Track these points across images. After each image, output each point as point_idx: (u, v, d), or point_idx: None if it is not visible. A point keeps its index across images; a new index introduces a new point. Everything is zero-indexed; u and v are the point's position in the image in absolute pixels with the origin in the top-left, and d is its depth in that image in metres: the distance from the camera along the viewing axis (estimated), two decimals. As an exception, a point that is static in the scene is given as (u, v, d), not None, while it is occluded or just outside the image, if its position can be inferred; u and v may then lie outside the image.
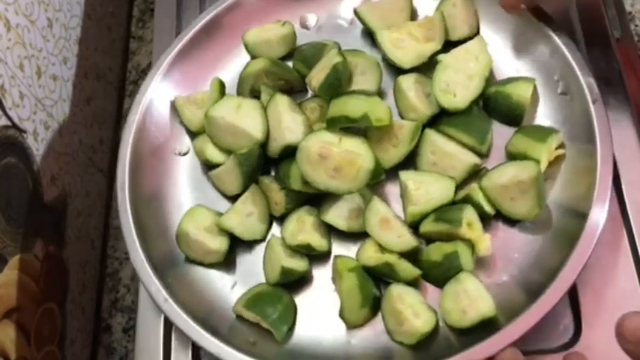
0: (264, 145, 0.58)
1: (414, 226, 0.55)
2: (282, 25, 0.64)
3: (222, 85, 0.62)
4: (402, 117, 0.59)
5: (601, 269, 0.55)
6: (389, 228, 0.53)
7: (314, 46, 0.63)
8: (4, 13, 0.55)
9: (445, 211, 0.53)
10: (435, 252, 0.53)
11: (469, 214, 0.52)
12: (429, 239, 0.55)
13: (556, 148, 0.56)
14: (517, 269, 0.53)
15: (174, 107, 0.62)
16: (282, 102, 0.58)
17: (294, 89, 0.63)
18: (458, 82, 0.57)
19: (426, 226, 0.54)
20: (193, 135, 0.62)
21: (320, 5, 0.67)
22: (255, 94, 0.62)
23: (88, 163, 0.69)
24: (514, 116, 0.58)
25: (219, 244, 0.56)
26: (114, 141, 0.59)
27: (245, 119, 0.58)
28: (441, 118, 0.58)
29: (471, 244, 0.53)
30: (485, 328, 0.49)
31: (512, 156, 0.56)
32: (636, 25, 0.74)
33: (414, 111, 0.58)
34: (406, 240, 0.53)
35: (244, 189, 0.57)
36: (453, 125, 0.57)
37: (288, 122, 0.57)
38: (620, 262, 0.55)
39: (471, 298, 0.50)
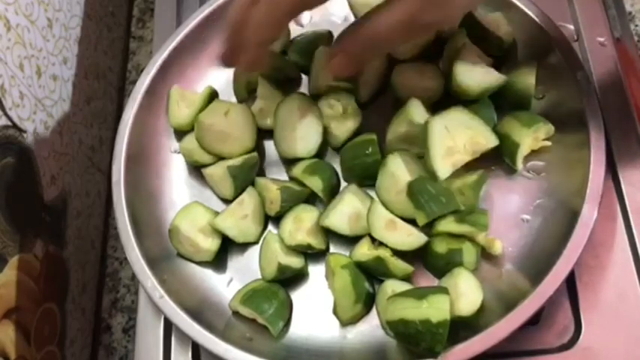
0: (257, 148, 0.59)
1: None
2: None
3: (212, 95, 0.62)
4: (402, 99, 0.59)
5: (601, 269, 0.55)
6: (396, 229, 0.53)
7: (308, 36, 0.64)
8: (4, 13, 0.55)
9: (467, 213, 0.53)
10: (440, 244, 0.53)
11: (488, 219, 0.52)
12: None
13: (545, 140, 0.57)
14: (511, 263, 0.54)
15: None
16: (297, 104, 0.58)
17: (290, 78, 0.64)
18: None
19: (446, 226, 0.53)
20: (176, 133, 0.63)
21: (314, 2, 0.67)
22: (251, 88, 0.62)
23: (87, 163, 0.69)
24: (522, 103, 0.58)
25: (209, 244, 0.56)
26: (114, 141, 0.59)
27: (234, 126, 0.58)
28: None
29: (477, 245, 0.53)
30: (462, 326, 0.49)
31: (498, 136, 0.55)
32: (636, 25, 0.74)
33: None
34: (416, 237, 0.53)
35: (236, 196, 0.57)
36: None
37: (302, 131, 0.57)
38: (620, 262, 0.55)
39: (457, 293, 0.50)
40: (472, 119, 0.54)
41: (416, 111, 0.55)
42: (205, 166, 0.59)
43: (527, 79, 0.57)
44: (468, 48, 0.58)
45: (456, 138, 0.54)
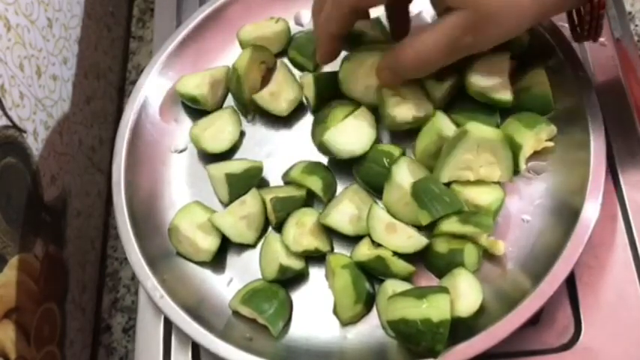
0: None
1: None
2: (276, 22, 0.64)
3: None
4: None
5: (601, 269, 0.55)
6: (396, 232, 0.53)
7: (308, 34, 0.64)
8: (4, 13, 0.55)
9: (471, 214, 0.53)
10: (442, 244, 0.53)
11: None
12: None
13: (547, 141, 0.56)
14: (512, 263, 0.54)
15: (171, 102, 0.63)
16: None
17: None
18: None
19: (449, 226, 0.52)
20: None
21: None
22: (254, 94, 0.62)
23: (87, 163, 0.69)
24: (542, 106, 0.57)
25: (208, 244, 0.56)
26: (114, 141, 0.59)
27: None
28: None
29: (479, 246, 0.53)
30: (462, 326, 0.49)
31: None
32: (636, 25, 0.74)
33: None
34: (417, 239, 0.53)
35: (231, 202, 0.57)
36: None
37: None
38: (620, 262, 0.55)
39: (457, 293, 0.50)
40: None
41: (443, 123, 0.55)
42: (212, 156, 0.60)
43: (541, 83, 0.57)
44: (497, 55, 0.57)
45: (478, 157, 0.53)
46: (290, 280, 0.55)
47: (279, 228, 0.56)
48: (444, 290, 0.49)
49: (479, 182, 0.55)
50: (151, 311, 0.57)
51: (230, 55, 0.64)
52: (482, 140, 0.53)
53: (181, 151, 0.62)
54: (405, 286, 0.52)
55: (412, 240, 0.53)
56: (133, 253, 0.54)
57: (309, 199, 0.58)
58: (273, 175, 0.60)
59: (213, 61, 0.65)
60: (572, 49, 0.58)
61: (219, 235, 0.56)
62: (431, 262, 0.54)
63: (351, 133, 0.56)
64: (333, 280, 0.53)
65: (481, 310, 0.50)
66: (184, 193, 0.60)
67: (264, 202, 0.57)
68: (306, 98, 0.62)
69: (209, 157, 0.61)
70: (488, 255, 0.54)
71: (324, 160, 0.59)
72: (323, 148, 0.57)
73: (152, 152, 0.61)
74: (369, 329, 0.53)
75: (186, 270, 0.56)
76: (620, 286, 0.54)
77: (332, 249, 0.56)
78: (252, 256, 0.57)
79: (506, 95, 0.56)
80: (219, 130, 0.60)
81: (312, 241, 0.55)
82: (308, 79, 0.60)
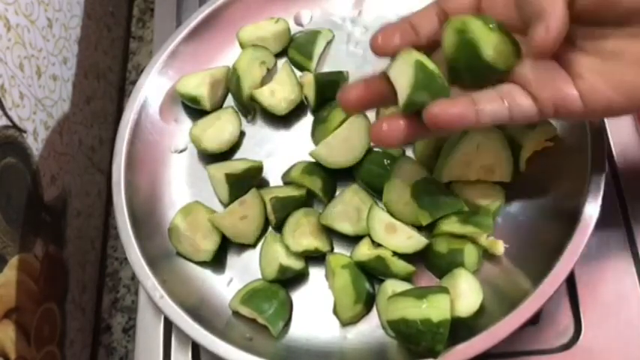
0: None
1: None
2: (276, 22, 0.64)
3: None
4: None
5: (601, 269, 0.55)
6: (396, 232, 0.53)
7: (307, 34, 0.64)
8: (4, 13, 0.55)
9: (471, 214, 0.53)
10: (442, 244, 0.53)
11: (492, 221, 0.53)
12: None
13: (547, 141, 0.56)
14: (511, 263, 0.54)
15: (171, 102, 0.63)
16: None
17: None
18: None
19: (449, 226, 0.53)
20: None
21: (314, 2, 0.67)
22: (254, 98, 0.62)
23: (87, 163, 0.69)
24: None
25: (208, 244, 0.56)
26: (114, 141, 0.59)
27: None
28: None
29: (479, 246, 0.53)
30: (462, 326, 0.49)
31: None
32: (636, 25, 0.74)
33: None
34: (417, 240, 0.53)
35: (231, 202, 0.57)
36: None
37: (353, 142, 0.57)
38: (620, 263, 0.55)
39: (456, 294, 0.50)
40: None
41: None
42: (213, 155, 0.60)
43: None
44: None
45: (478, 157, 0.54)
46: (290, 280, 0.55)
47: (279, 228, 0.56)
48: (444, 290, 0.49)
49: (479, 182, 0.55)
50: (151, 311, 0.57)
51: (230, 55, 0.64)
52: (482, 140, 0.53)
53: (181, 151, 0.62)
54: (405, 286, 0.52)
55: (412, 240, 0.53)
56: (133, 253, 0.54)
57: (309, 199, 0.58)
58: (273, 175, 0.60)
59: (213, 61, 0.65)
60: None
61: (219, 235, 0.56)
62: (431, 262, 0.54)
63: (342, 146, 0.56)
64: (333, 280, 0.53)
65: (481, 310, 0.50)
66: (184, 193, 0.60)
67: (264, 202, 0.57)
68: (306, 98, 0.62)
69: (209, 157, 0.61)
70: (488, 255, 0.54)
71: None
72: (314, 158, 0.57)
73: (152, 152, 0.61)
74: (369, 329, 0.53)
75: (187, 270, 0.56)
76: (620, 286, 0.54)
77: (332, 249, 0.56)
78: (252, 256, 0.57)
79: None
80: (219, 130, 0.60)
81: (312, 241, 0.55)
82: (308, 79, 0.60)
